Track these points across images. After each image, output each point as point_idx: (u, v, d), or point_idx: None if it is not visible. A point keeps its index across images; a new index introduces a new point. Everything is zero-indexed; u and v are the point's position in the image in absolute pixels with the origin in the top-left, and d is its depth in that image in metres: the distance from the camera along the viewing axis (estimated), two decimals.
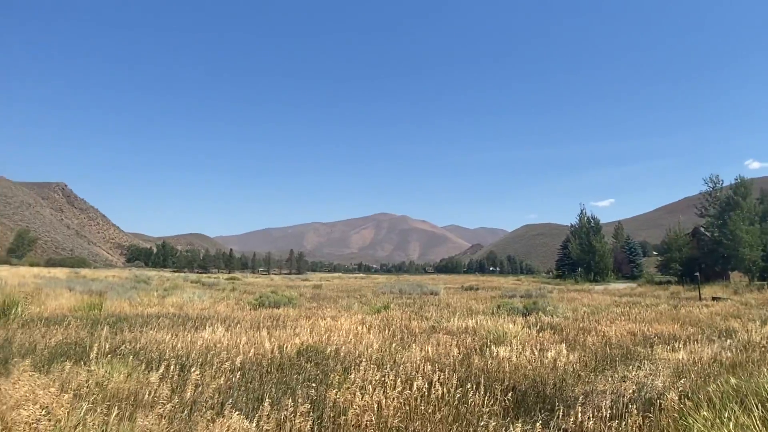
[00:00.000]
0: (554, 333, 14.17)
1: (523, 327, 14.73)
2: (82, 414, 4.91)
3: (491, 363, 9.33)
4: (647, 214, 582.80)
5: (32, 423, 4.41)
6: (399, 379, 7.07)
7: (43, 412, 4.67)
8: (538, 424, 5.57)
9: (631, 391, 7.38)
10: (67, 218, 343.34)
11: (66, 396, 5.31)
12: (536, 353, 10.17)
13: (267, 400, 5.90)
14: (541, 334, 13.66)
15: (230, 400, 6.25)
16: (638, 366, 9.24)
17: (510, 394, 7.09)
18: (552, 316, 19.13)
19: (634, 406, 6.24)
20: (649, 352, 11.07)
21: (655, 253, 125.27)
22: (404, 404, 6.43)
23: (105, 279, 45.78)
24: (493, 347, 10.86)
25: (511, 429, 5.45)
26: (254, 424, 5.16)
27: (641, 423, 5.93)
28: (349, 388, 6.75)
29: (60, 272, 62.35)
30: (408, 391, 6.70)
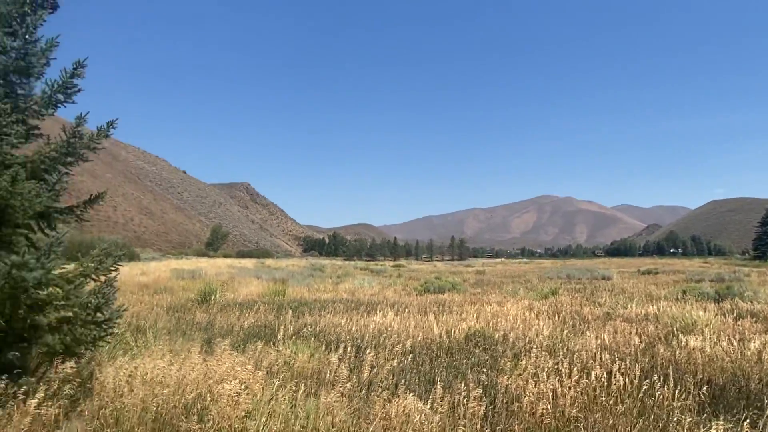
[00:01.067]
0: (756, 321, 12.40)
1: (716, 314, 13.12)
2: (274, 390, 5.41)
3: (680, 354, 8.47)
4: None
5: (234, 395, 4.96)
6: (575, 368, 6.72)
7: (242, 387, 5.24)
8: (745, 422, 4.89)
9: None
10: (251, 214, 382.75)
11: (260, 373, 5.92)
12: (735, 344, 8.98)
13: (439, 383, 5.97)
14: (739, 323, 12.04)
15: (403, 382, 6.45)
16: None
17: (705, 388, 6.35)
18: (752, 302, 16.75)
19: None
20: None
21: None
22: (582, 394, 6.09)
23: (285, 268, 50.09)
24: (680, 336, 9.83)
25: (711, 427, 4.84)
26: (428, 406, 5.25)
27: None
28: (521, 374, 6.58)
29: (248, 262, 69.71)
30: (585, 380, 6.32)
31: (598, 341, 9.43)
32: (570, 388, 6.10)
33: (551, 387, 5.99)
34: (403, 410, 4.99)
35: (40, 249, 5.49)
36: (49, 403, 4.95)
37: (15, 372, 5.60)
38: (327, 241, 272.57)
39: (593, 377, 6.38)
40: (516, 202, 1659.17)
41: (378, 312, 13.02)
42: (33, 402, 4.83)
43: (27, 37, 5.81)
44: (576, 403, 5.76)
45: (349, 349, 7.85)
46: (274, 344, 8.36)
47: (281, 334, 8.76)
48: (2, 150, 5.29)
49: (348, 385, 5.76)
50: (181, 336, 9.18)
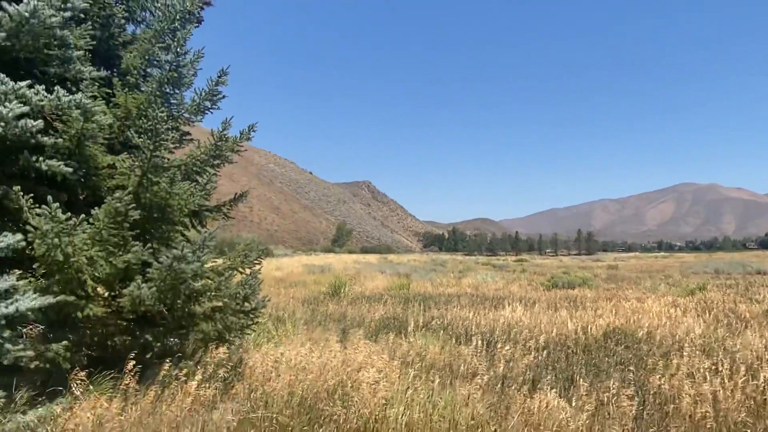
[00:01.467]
0: None
1: None
2: (410, 379, 5.46)
3: None
4: None
5: (372, 383, 5.06)
6: (737, 369, 6.03)
7: (380, 375, 5.34)
8: None
9: None
10: (373, 211, 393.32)
11: (395, 362, 6.01)
12: None
13: (580, 380, 5.67)
14: None
15: (541, 377, 6.20)
16: None
17: None
18: None
19: None
20: None
21: None
22: (748, 398, 5.45)
23: (407, 263, 50.79)
24: None
25: None
26: (571, 403, 4.99)
27: None
28: (674, 374, 6.03)
29: (371, 258, 71.72)
30: (753, 383, 5.65)
31: (763, 341, 8.40)
32: (733, 390, 5.49)
33: (711, 389, 5.42)
34: (546, 406, 4.79)
35: (195, 244, 5.98)
36: (206, 386, 5.39)
37: (176, 356, 6.18)
38: (446, 236, 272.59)
39: (762, 380, 5.69)
40: (651, 192, 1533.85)
41: (507, 306, 12.71)
42: (193, 384, 5.28)
43: (178, 50, 6.37)
44: (742, 408, 5.16)
45: (479, 342, 7.72)
46: (405, 336, 8.46)
47: (411, 326, 8.86)
48: (161, 154, 5.83)
49: (486, 377, 5.64)
50: (318, 326, 9.62)
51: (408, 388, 5.22)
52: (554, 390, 5.53)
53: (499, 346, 7.36)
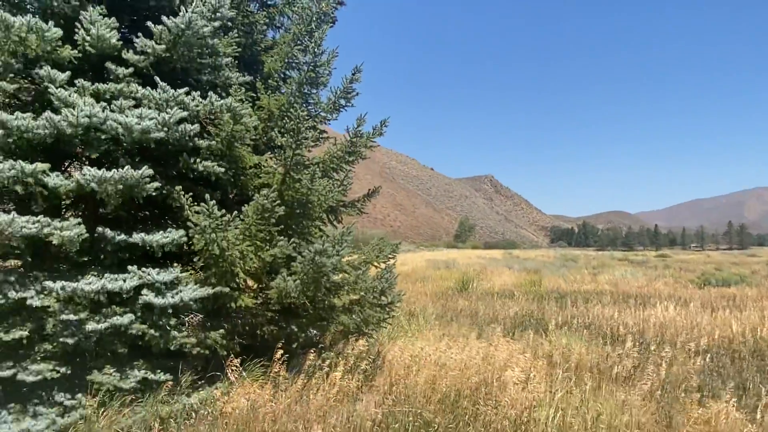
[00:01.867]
0: None
1: None
2: (557, 380, 5.14)
3: None
4: None
5: (518, 383, 4.83)
6: None
7: (525, 376, 5.08)
8: None
9: None
10: (496, 206, 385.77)
11: (539, 362, 5.70)
12: None
13: (752, 388, 4.98)
14: None
15: (710, 384, 5.56)
16: None
17: None
18: None
19: None
20: None
21: None
22: None
23: (534, 258, 49.06)
24: None
25: None
26: (756, 415, 4.39)
27: None
28: None
29: (496, 253, 70.22)
30: None
31: None
32: None
33: None
34: (725, 418, 4.24)
35: (333, 238, 6.13)
36: (349, 377, 5.49)
37: (319, 347, 6.38)
38: (576, 230, 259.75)
39: None
40: None
41: (657, 305, 11.67)
42: (337, 374, 5.40)
43: (315, 50, 6.56)
44: None
45: (630, 343, 7.13)
46: (545, 334, 8.06)
47: (552, 324, 8.41)
48: (302, 152, 6.05)
49: (649, 383, 5.15)
50: (451, 321, 9.51)
51: (556, 389, 4.91)
52: (718, 398, 4.91)
53: (653, 348, 6.73)
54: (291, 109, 6.14)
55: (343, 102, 7.04)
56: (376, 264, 7.12)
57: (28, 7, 5.38)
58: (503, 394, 4.72)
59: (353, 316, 6.57)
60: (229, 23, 6.19)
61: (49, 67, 4.99)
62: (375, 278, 6.65)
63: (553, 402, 4.63)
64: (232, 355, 5.63)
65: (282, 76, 7.19)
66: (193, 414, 5.05)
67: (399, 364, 6.03)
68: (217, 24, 5.68)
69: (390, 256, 7.19)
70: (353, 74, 6.82)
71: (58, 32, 5.00)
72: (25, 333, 4.80)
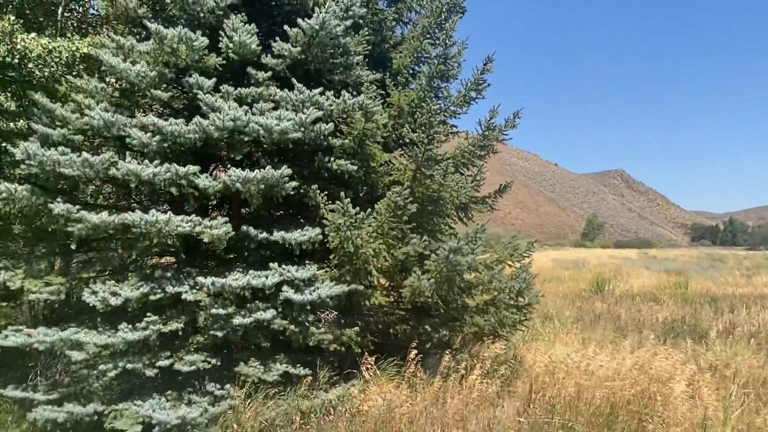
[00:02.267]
0: None
1: None
2: (732, 397, 4.50)
3: None
4: None
5: (684, 398, 4.28)
6: None
7: (690, 390, 4.51)
8: None
9: None
10: (627, 202, 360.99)
11: (707, 375, 5.05)
12: None
13: None
14: None
15: None
16: None
17: None
18: None
19: None
20: None
21: None
22: None
23: (675, 258, 45.04)
24: None
25: None
26: None
27: None
28: None
29: (629, 253, 65.48)
30: None
31: None
32: None
33: None
34: None
35: (467, 236, 5.91)
36: (487, 381, 5.24)
37: (454, 348, 6.19)
38: (721, 227, 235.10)
39: None
40: None
41: None
42: (474, 377, 5.17)
43: (446, 42, 6.39)
44: None
45: None
46: (705, 343, 7.19)
47: (714, 332, 7.49)
48: (434, 147, 5.90)
49: None
50: (589, 325, 8.85)
51: (730, 405, 4.28)
52: None
53: None
54: (422, 103, 6.02)
55: (473, 94, 6.80)
56: (510, 263, 6.79)
57: (178, 21, 5.77)
58: (666, 409, 4.20)
59: (488, 317, 6.30)
60: (360, 21, 6.20)
61: (197, 75, 5.30)
62: (510, 278, 6.33)
63: (728, 420, 4.03)
64: (366, 353, 5.63)
65: (411, 71, 7.10)
66: (332, 410, 5.09)
67: (539, 370, 5.65)
68: (348, 23, 5.71)
69: (525, 255, 6.82)
70: (485, 64, 6.55)
71: (205, 41, 5.30)
72: (181, 325, 5.13)
